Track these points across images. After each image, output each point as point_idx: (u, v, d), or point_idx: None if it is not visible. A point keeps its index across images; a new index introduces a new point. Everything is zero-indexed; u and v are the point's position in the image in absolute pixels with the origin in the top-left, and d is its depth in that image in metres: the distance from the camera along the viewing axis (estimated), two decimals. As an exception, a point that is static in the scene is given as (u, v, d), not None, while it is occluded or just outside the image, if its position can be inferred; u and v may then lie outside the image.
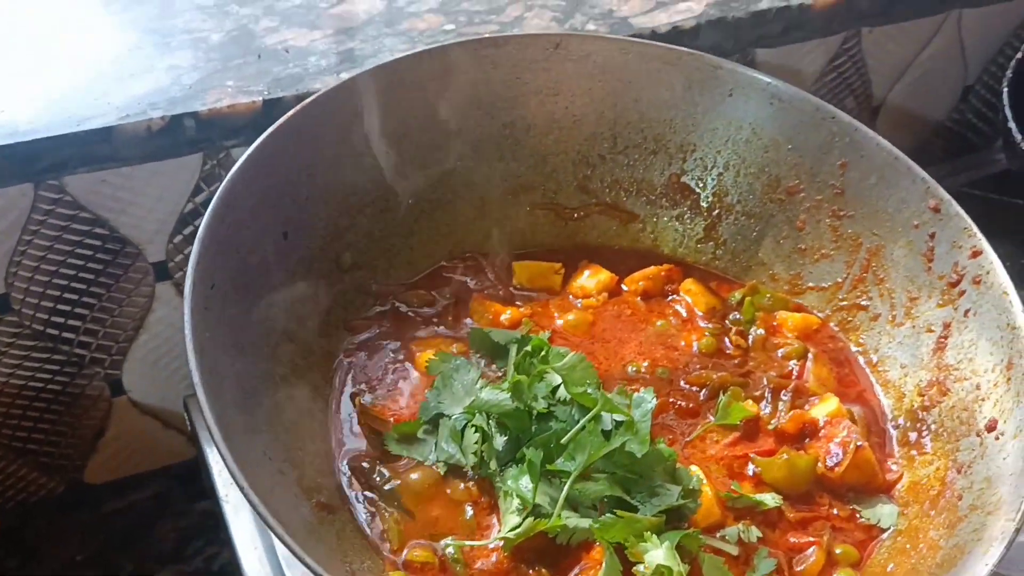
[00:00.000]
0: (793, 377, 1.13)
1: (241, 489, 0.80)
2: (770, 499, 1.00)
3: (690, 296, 1.23)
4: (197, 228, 0.98)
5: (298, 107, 1.11)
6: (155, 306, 1.42)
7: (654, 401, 0.97)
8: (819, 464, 1.02)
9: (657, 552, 0.90)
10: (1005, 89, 1.48)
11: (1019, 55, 1.49)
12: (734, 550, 0.95)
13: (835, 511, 1.01)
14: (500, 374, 1.10)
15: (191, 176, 1.30)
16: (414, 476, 1.00)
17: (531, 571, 0.93)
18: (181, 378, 1.52)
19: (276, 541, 1.06)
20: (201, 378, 0.87)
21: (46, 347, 1.37)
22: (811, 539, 0.98)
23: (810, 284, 1.23)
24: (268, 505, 0.81)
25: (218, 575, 1.54)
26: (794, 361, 1.15)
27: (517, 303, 1.21)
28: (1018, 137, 1.42)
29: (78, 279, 1.33)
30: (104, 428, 1.52)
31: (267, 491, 0.84)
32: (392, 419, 1.07)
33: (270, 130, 1.07)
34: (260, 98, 1.24)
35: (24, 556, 1.50)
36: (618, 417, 0.97)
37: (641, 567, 0.90)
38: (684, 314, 1.22)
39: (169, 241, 1.35)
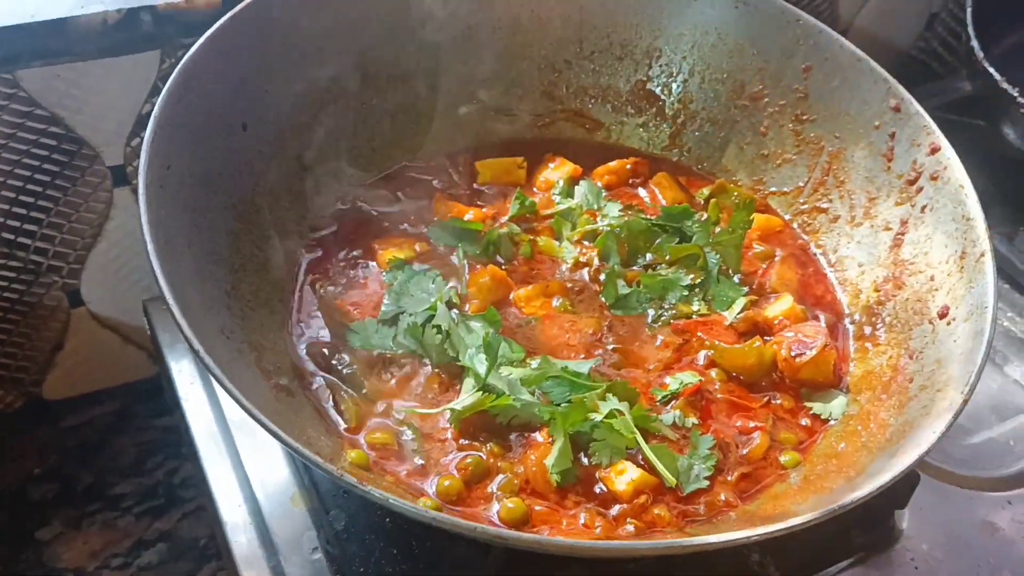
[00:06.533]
0: (758, 275, 1.14)
1: (196, 353, 0.79)
2: (689, 376, 1.00)
3: (659, 188, 1.23)
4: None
5: (255, -3, 1.09)
6: (113, 213, 1.39)
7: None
8: (782, 351, 1.02)
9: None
10: (968, 9, 1.49)
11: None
12: (671, 434, 0.96)
13: (778, 400, 1.02)
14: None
15: (148, 74, 1.27)
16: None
17: (484, 447, 0.94)
18: (142, 290, 1.49)
19: (241, 450, 1.07)
20: (155, 248, 0.86)
21: (1, 252, 1.35)
22: (757, 424, 0.99)
23: (772, 189, 1.24)
24: (226, 371, 0.80)
25: (179, 488, 1.53)
26: (764, 264, 1.16)
27: (479, 203, 1.20)
28: (980, 54, 1.43)
29: (34, 180, 1.30)
30: (63, 341, 1.50)
31: (224, 362, 0.83)
32: (354, 312, 1.06)
33: (230, 14, 1.06)
34: (219, -6, 1.22)
35: (-20, 469, 1.49)
36: None
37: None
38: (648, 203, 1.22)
39: (127, 144, 1.33)
